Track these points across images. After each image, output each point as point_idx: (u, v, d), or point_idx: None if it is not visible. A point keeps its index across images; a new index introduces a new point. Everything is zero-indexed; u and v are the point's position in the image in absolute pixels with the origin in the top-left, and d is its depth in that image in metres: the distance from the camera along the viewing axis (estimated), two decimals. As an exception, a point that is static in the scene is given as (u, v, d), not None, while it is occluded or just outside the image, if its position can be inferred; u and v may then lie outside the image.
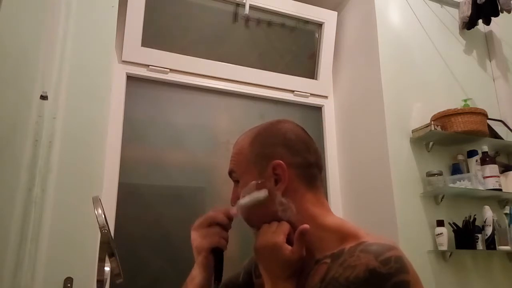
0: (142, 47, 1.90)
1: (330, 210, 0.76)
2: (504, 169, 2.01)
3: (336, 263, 0.64)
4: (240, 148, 0.78)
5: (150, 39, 1.92)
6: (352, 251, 0.63)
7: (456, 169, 1.92)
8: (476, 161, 1.95)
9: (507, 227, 1.88)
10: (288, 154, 0.74)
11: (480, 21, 2.23)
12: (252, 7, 2.12)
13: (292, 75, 2.24)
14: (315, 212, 0.73)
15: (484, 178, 1.89)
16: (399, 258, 0.60)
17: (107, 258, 0.96)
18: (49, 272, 1.33)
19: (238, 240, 1.92)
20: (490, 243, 1.82)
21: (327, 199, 0.79)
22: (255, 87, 2.15)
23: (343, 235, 0.68)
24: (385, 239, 0.64)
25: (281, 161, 0.73)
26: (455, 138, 1.93)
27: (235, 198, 0.77)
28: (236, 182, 0.78)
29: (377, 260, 0.59)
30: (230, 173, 0.79)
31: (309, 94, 2.28)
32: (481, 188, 1.87)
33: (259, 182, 0.73)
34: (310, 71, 2.33)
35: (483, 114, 1.92)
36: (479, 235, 1.81)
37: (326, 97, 2.35)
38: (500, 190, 1.89)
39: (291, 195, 0.73)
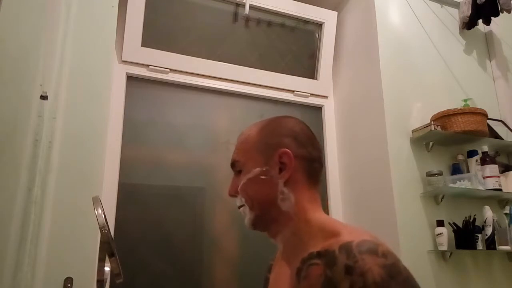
0: (142, 47, 1.90)
1: (320, 207, 0.77)
2: (504, 169, 2.01)
3: (337, 270, 0.61)
4: (246, 137, 0.79)
5: (150, 39, 1.92)
6: (351, 255, 0.61)
7: (456, 169, 1.93)
8: (476, 161, 1.95)
9: (507, 227, 1.88)
10: (294, 145, 0.76)
11: (480, 21, 2.23)
12: (252, 7, 2.12)
13: (292, 75, 2.24)
14: (306, 206, 0.74)
15: (484, 178, 1.89)
16: (387, 250, 0.62)
17: (107, 258, 0.96)
18: (49, 272, 1.33)
19: (238, 239, 1.93)
20: (490, 243, 1.82)
21: (323, 199, 0.79)
22: (255, 87, 2.15)
23: (325, 232, 0.68)
24: (364, 234, 0.65)
25: (288, 150, 0.74)
26: (455, 138, 1.93)
27: (235, 188, 0.78)
28: (238, 172, 0.79)
29: (378, 256, 0.60)
30: (233, 164, 0.80)
31: (309, 94, 2.28)
32: (481, 188, 1.87)
33: (264, 169, 0.75)
34: (310, 71, 2.33)
35: (483, 114, 1.92)
36: (479, 235, 1.81)
37: (326, 97, 2.35)
38: (500, 190, 1.89)
39: (291, 185, 0.74)
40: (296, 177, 0.75)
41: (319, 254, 0.65)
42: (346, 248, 0.62)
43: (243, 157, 0.78)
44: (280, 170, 0.74)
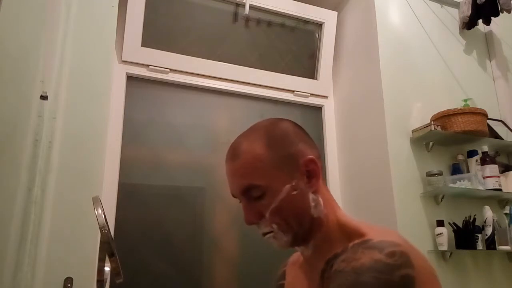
0: (142, 47, 1.90)
1: (337, 204, 0.76)
2: (504, 169, 2.01)
3: (339, 260, 0.63)
4: (251, 157, 0.69)
5: (150, 39, 1.92)
6: (355, 249, 0.62)
7: (456, 169, 1.92)
8: (476, 161, 1.95)
9: (507, 227, 1.88)
10: (308, 148, 0.72)
11: (480, 21, 2.23)
12: (252, 7, 2.12)
13: (292, 75, 2.24)
14: (330, 205, 0.73)
15: (484, 178, 1.89)
16: (404, 253, 0.59)
17: (107, 258, 0.96)
18: (49, 272, 1.33)
19: (238, 239, 1.92)
20: (490, 243, 1.82)
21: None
22: (255, 87, 2.15)
23: (349, 232, 0.68)
24: (391, 235, 0.64)
25: (313, 156, 0.71)
26: (455, 138, 1.93)
27: (257, 215, 0.69)
28: (257, 198, 0.69)
29: (381, 253, 0.59)
30: (247, 190, 0.69)
31: (309, 94, 2.28)
32: (481, 188, 1.87)
33: (293, 184, 0.69)
34: (310, 71, 2.33)
35: (483, 114, 1.92)
36: (479, 235, 1.81)
37: (326, 97, 2.35)
38: (500, 190, 1.89)
39: (317, 189, 0.72)
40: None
41: (341, 253, 0.65)
42: (360, 244, 0.63)
43: (263, 179, 0.68)
44: (308, 179, 0.70)
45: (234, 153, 0.71)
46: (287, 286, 0.82)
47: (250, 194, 0.69)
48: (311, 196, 0.70)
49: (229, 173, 0.71)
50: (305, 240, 0.71)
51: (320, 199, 0.71)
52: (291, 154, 0.70)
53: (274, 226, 0.69)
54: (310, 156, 0.70)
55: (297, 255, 0.84)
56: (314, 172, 0.70)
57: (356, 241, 0.64)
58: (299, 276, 0.78)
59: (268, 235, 0.70)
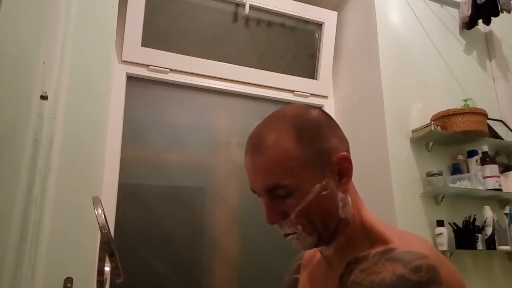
0: (142, 47, 1.90)
1: (364, 202, 0.71)
2: (504, 169, 2.01)
3: (358, 269, 0.59)
4: (279, 154, 0.62)
5: (150, 39, 1.92)
6: (377, 259, 0.58)
7: (456, 169, 1.93)
8: (476, 161, 1.95)
9: (507, 227, 1.88)
10: (340, 143, 0.67)
11: (480, 21, 2.23)
12: (252, 7, 2.12)
13: (292, 75, 2.24)
14: (357, 205, 0.68)
15: (484, 178, 1.89)
16: (431, 267, 0.54)
17: (107, 258, 0.96)
18: (49, 272, 1.33)
19: (238, 239, 1.92)
20: (490, 243, 1.82)
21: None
22: (255, 87, 2.15)
23: (373, 236, 0.64)
24: (417, 243, 0.59)
25: (346, 153, 0.65)
26: (455, 138, 1.93)
27: (280, 215, 0.64)
28: (281, 197, 0.63)
29: (405, 267, 0.54)
30: (273, 189, 0.63)
31: (309, 94, 2.28)
32: (481, 188, 1.87)
33: (323, 183, 0.63)
34: (310, 71, 2.33)
35: (483, 114, 1.92)
36: (479, 235, 1.81)
37: (326, 97, 2.35)
38: (500, 190, 1.89)
39: (346, 188, 0.67)
40: None
41: (362, 258, 0.62)
42: (382, 253, 0.59)
43: (292, 179, 0.62)
44: (338, 177, 0.65)
45: (258, 145, 0.64)
46: (301, 282, 0.78)
47: (275, 193, 0.63)
48: (339, 195, 0.65)
49: (251, 167, 0.65)
50: (328, 242, 0.67)
51: (349, 199, 0.66)
52: (324, 150, 0.64)
53: (299, 227, 0.63)
54: (344, 153, 0.65)
55: (312, 250, 0.79)
56: (346, 170, 0.65)
57: (379, 249, 0.60)
58: (316, 274, 0.74)
59: (290, 236, 0.65)
